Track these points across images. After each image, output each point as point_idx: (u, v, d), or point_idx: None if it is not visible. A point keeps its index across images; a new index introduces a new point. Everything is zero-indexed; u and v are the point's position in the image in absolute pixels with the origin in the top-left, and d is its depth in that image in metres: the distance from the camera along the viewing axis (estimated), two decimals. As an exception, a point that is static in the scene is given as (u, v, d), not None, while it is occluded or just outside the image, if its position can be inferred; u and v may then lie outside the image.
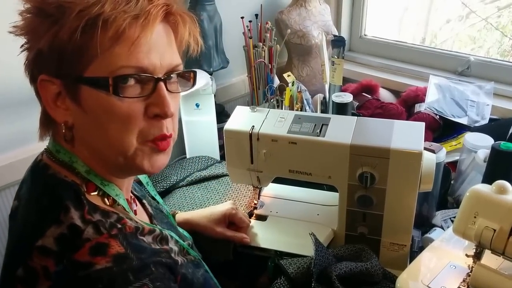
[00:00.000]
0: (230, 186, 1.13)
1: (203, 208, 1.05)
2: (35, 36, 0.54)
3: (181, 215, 0.92)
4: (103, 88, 0.53)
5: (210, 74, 1.27)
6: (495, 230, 0.68)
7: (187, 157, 1.29)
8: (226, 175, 1.17)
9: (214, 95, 1.24)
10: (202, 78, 1.18)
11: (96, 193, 0.59)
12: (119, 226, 0.55)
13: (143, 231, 0.58)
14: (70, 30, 0.51)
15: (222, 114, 1.40)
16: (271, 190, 1.08)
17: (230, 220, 0.92)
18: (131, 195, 0.71)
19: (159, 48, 0.56)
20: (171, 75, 0.58)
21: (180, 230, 0.79)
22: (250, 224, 0.96)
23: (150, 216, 0.72)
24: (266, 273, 0.89)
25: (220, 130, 1.22)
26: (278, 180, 1.03)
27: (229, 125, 0.94)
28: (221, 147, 1.26)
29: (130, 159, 0.57)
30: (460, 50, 1.57)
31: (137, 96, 0.55)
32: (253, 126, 0.92)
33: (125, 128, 0.55)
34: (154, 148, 0.58)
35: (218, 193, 1.11)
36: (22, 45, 0.57)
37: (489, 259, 0.74)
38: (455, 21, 1.76)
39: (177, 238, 0.65)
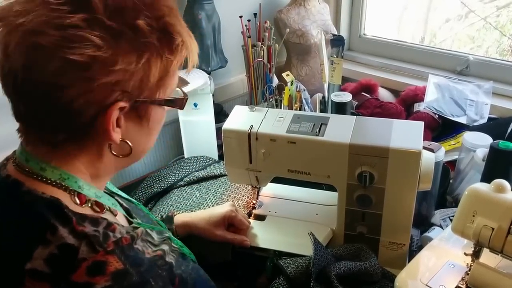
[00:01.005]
0: (229, 186, 1.13)
1: (202, 208, 1.05)
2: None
3: (179, 218, 0.91)
4: (176, 106, 0.60)
5: (209, 73, 1.26)
6: (493, 229, 0.68)
7: (185, 157, 1.29)
8: (225, 175, 1.17)
9: (213, 95, 1.24)
10: (200, 77, 1.18)
11: (87, 204, 0.57)
12: (115, 238, 0.53)
13: (137, 237, 0.57)
14: (178, 63, 0.57)
15: (221, 114, 1.40)
16: (270, 190, 1.08)
17: (229, 222, 0.92)
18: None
19: None
20: None
21: (159, 221, 0.79)
22: (250, 224, 0.96)
23: (126, 210, 0.70)
24: (265, 273, 0.89)
25: (218, 130, 1.22)
26: (277, 180, 1.03)
27: (228, 124, 0.94)
28: (220, 147, 1.26)
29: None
30: (459, 49, 1.57)
31: None
32: (252, 125, 0.91)
33: (159, 131, 0.64)
34: None
35: (216, 193, 1.11)
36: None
37: (487, 257, 0.74)
38: (454, 20, 1.76)
39: (156, 227, 0.65)
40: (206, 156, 1.26)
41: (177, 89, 0.63)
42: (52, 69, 0.48)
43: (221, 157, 1.27)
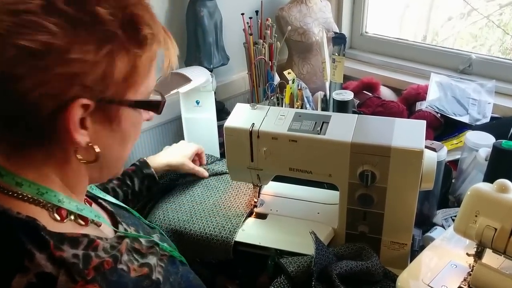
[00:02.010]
0: (230, 184, 1.13)
1: (204, 206, 1.04)
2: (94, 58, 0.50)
3: (154, 160, 1.05)
4: (152, 109, 0.57)
5: (210, 71, 1.26)
6: (496, 229, 0.68)
7: (187, 154, 1.29)
8: (226, 172, 1.16)
9: (214, 92, 1.24)
10: (202, 75, 1.17)
11: (68, 218, 0.55)
12: (96, 262, 0.50)
13: (120, 256, 0.54)
14: (147, 59, 0.53)
15: (222, 112, 1.39)
16: (271, 188, 1.08)
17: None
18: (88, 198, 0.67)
19: None
20: None
21: (146, 222, 0.76)
22: (250, 222, 0.96)
23: (111, 214, 0.68)
24: (266, 272, 0.89)
25: (220, 128, 1.21)
26: (278, 178, 1.03)
27: (229, 122, 0.94)
28: (221, 145, 1.25)
29: (121, 167, 0.61)
30: (462, 48, 1.56)
31: None
32: (253, 123, 0.91)
33: (136, 138, 0.60)
34: None
35: (218, 190, 1.11)
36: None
37: (490, 258, 0.74)
38: (457, 18, 1.75)
39: (143, 235, 0.64)
40: (208, 154, 1.25)
41: (156, 91, 0.58)
42: (6, 58, 0.45)
43: (222, 155, 1.27)
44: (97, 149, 0.53)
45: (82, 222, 0.56)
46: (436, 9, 1.77)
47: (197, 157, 1.16)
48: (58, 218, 0.53)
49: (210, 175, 1.17)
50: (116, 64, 0.49)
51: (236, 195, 1.09)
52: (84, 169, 0.56)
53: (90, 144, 0.52)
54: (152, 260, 0.59)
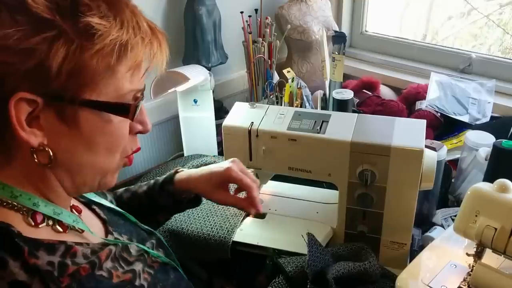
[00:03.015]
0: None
1: (201, 206, 1.03)
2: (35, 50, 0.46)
3: (182, 175, 0.79)
4: (120, 114, 0.52)
5: (209, 69, 1.25)
6: (496, 229, 0.67)
7: (185, 153, 1.29)
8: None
9: (213, 91, 1.23)
10: (201, 73, 1.17)
11: (45, 224, 0.52)
12: (72, 269, 0.48)
13: (100, 262, 0.52)
14: (98, 54, 0.48)
15: (221, 110, 1.39)
16: (270, 187, 1.07)
17: (232, 183, 0.77)
18: (77, 203, 0.64)
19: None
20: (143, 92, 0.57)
21: (142, 225, 0.72)
22: (249, 222, 0.95)
23: (104, 222, 0.65)
24: (264, 272, 0.88)
25: (218, 127, 1.21)
26: (277, 178, 1.02)
27: (228, 121, 0.93)
28: (220, 144, 1.25)
29: (107, 178, 0.56)
30: (462, 47, 1.56)
31: (135, 117, 0.54)
32: (252, 122, 0.90)
33: (115, 147, 0.54)
34: (126, 163, 0.58)
35: (216, 190, 1.10)
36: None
37: (490, 258, 0.73)
38: (457, 18, 1.75)
39: (137, 244, 0.62)
40: (206, 155, 1.25)
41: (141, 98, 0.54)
42: None
43: (221, 153, 1.26)
44: (50, 152, 0.49)
45: (60, 229, 0.54)
46: (436, 8, 1.77)
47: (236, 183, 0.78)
48: (32, 223, 0.51)
49: None
50: (53, 55, 0.45)
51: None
52: (50, 174, 0.52)
53: (42, 146, 0.49)
54: (138, 266, 0.57)
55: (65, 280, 0.48)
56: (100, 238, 0.59)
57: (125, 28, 0.49)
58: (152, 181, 0.82)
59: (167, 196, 0.79)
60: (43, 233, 0.51)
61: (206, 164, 0.99)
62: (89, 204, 0.67)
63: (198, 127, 1.25)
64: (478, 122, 1.26)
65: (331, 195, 1.02)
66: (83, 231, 0.56)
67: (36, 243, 0.48)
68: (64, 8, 0.46)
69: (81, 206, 0.64)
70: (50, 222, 0.53)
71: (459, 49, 1.49)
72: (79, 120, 0.50)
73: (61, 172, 0.52)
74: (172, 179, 0.79)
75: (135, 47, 0.50)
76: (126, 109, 0.52)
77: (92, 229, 0.59)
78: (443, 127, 1.29)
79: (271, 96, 1.27)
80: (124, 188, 0.85)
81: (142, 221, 0.73)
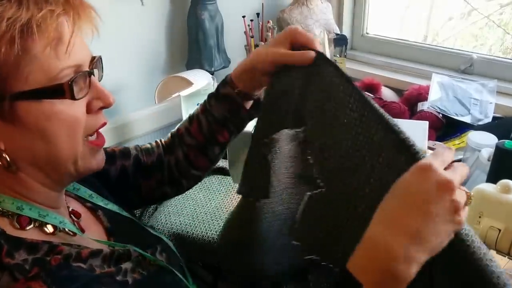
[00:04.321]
0: (232, 187, 1.12)
1: (205, 209, 1.04)
2: None
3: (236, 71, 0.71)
4: (57, 97, 0.48)
5: (212, 73, 1.26)
6: (500, 230, 0.67)
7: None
8: (228, 175, 1.16)
9: (216, 95, 1.24)
10: (204, 78, 1.17)
11: (32, 226, 0.52)
12: (42, 262, 0.48)
13: (79, 255, 0.51)
14: (4, 41, 0.44)
15: (224, 114, 1.39)
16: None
17: (293, 41, 0.64)
18: (78, 207, 0.63)
19: (82, 40, 0.52)
20: (93, 66, 0.54)
21: (152, 231, 0.71)
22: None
23: (106, 229, 0.64)
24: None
25: (222, 130, 1.21)
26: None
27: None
28: (223, 147, 1.25)
29: (80, 162, 0.54)
30: (462, 48, 1.56)
31: (85, 94, 0.51)
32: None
33: (74, 131, 0.51)
34: (93, 148, 0.56)
35: (220, 193, 1.11)
36: None
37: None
38: (457, 18, 1.75)
39: (135, 248, 0.60)
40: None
41: (81, 74, 0.50)
42: None
43: (224, 157, 1.27)
44: (6, 155, 0.48)
45: (49, 230, 0.53)
46: (436, 9, 1.77)
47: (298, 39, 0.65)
48: (18, 226, 0.51)
49: (212, 171, 1.16)
50: None
51: (238, 198, 1.08)
52: (23, 175, 0.51)
53: None
54: (126, 265, 0.56)
55: (34, 270, 0.47)
56: (92, 239, 0.57)
57: (24, 6, 0.46)
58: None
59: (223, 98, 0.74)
60: (29, 234, 0.51)
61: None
62: (95, 209, 0.65)
63: (201, 131, 1.26)
64: (480, 123, 1.26)
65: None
66: (75, 233, 0.55)
67: (18, 241, 0.48)
68: None
69: (82, 210, 0.63)
70: (37, 224, 0.52)
71: (460, 50, 1.49)
72: (20, 115, 0.47)
73: (32, 171, 0.51)
74: (226, 82, 0.73)
75: (43, 23, 0.46)
76: (61, 90, 0.48)
77: (91, 233, 0.58)
78: (445, 128, 1.29)
79: (273, 99, 1.28)
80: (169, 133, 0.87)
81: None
